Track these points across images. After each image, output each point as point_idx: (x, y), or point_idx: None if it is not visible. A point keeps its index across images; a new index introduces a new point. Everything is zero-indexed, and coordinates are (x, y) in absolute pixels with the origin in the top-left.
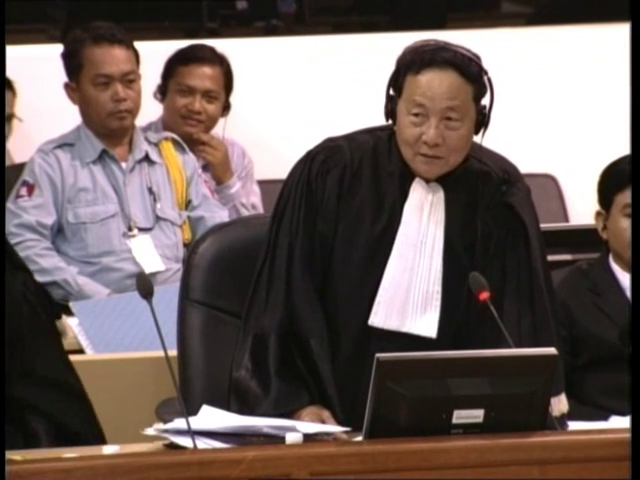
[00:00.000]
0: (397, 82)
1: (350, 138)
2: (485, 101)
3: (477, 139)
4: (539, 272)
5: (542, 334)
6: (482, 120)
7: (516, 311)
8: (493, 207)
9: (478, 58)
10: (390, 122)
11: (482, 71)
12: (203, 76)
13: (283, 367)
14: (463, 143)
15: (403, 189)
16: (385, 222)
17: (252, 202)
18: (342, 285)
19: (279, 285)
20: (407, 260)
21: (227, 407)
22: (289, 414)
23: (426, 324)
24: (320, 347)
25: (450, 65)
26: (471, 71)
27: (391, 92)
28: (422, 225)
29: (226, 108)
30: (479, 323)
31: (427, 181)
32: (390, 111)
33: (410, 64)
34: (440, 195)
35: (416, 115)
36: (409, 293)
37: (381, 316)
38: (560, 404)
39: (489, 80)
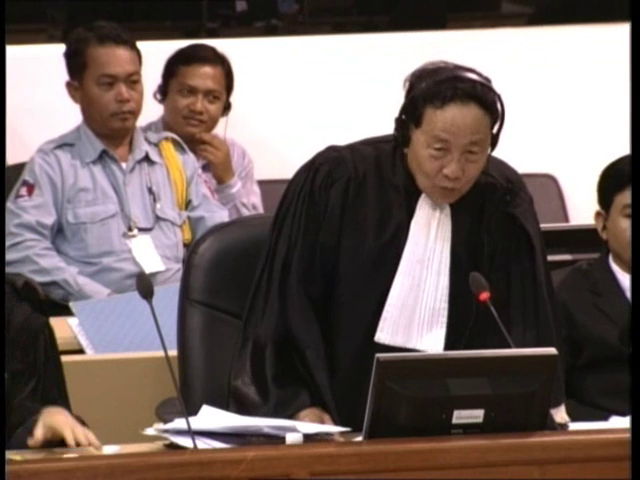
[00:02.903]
0: (414, 112)
1: (354, 149)
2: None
3: None
4: (542, 283)
5: (545, 346)
6: (492, 141)
7: (521, 323)
8: (497, 218)
9: (489, 81)
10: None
11: (496, 96)
12: (205, 76)
13: (281, 374)
14: (479, 171)
15: (409, 205)
16: (390, 236)
17: (252, 202)
18: (346, 298)
19: (275, 294)
20: (414, 277)
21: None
22: (289, 415)
23: (432, 341)
24: (316, 357)
25: (471, 98)
26: (489, 101)
27: (403, 117)
28: (429, 242)
29: (227, 108)
30: (485, 339)
31: None
32: (403, 137)
33: (429, 96)
34: (447, 212)
35: (438, 149)
36: (415, 310)
37: (387, 332)
38: (561, 414)
39: (502, 104)
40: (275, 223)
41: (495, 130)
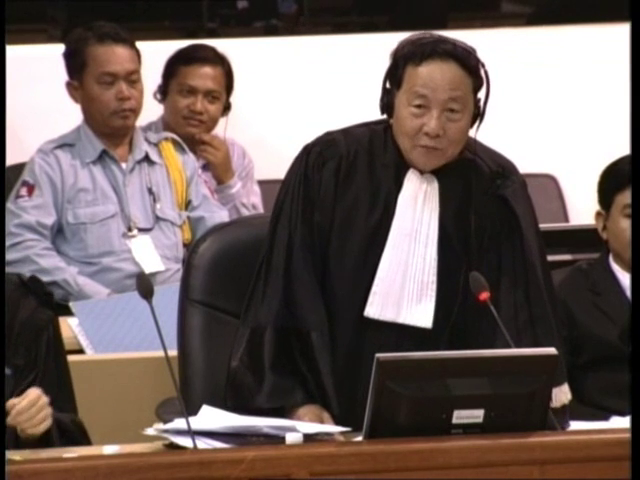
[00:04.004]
0: (395, 75)
1: (346, 131)
2: (481, 94)
3: (471, 133)
4: (535, 264)
5: (540, 327)
6: (477, 113)
7: (512, 305)
8: (487, 200)
9: (474, 51)
10: (385, 116)
11: (479, 63)
12: (205, 76)
13: (278, 362)
14: (462, 135)
15: (397, 180)
16: (380, 213)
17: (252, 202)
18: (338, 277)
19: (277, 278)
20: (402, 250)
21: (223, 398)
22: (288, 412)
23: (422, 314)
24: (321, 340)
25: (451, 56)
26: (471, 63)
27: (387, 85)
28: (416, 215)
29: (227, 108)
30: (476, 315)
31: (421, 172)
32: (386, 104)
33: (410, 56)
34: (434, 185)
35: (417, 106)
36: (404, 283)
37: (377, 307)
38: (561, 394)
39: (486, 73)
40: (274, 211)
41: (482, 100)
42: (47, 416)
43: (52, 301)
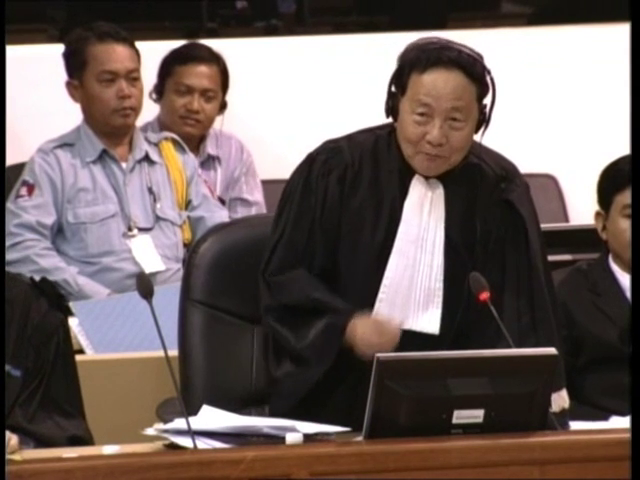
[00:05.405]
0: (401, 80)
1: (350, 138)
2: (486, 100)
3: (477, 137)
4: (539, 268)
5: (542, 330)
6: (483, 119)
7: (516, 307)
8: (492, 205)
9: (481, 57)
10: (390, 119)
11: (485, 70)
12: (201, 75)
13: (297, 333)
14: (465, 143)
15: (403, 186)
16: (387, 221)
17: (255, 198)
18: (347, 284)
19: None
20: (408, 257)
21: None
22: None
23: (428, 320)
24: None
25: (455, 65)
26: (475, 71)
27: (393, 89)
28: (422, 222)
29: (223, 107)
30: (480, 319)
31: (426, 177)
32: (391, 108)
33: (415, 62)
34: (440, 191)
35: (420, 114)
36: (411, 290)
37: (384, 314)
38: (560, 400)
39: (492, 80)
40: (274, 218)
41: (487, 107)
42: None
43: (63, 303)
